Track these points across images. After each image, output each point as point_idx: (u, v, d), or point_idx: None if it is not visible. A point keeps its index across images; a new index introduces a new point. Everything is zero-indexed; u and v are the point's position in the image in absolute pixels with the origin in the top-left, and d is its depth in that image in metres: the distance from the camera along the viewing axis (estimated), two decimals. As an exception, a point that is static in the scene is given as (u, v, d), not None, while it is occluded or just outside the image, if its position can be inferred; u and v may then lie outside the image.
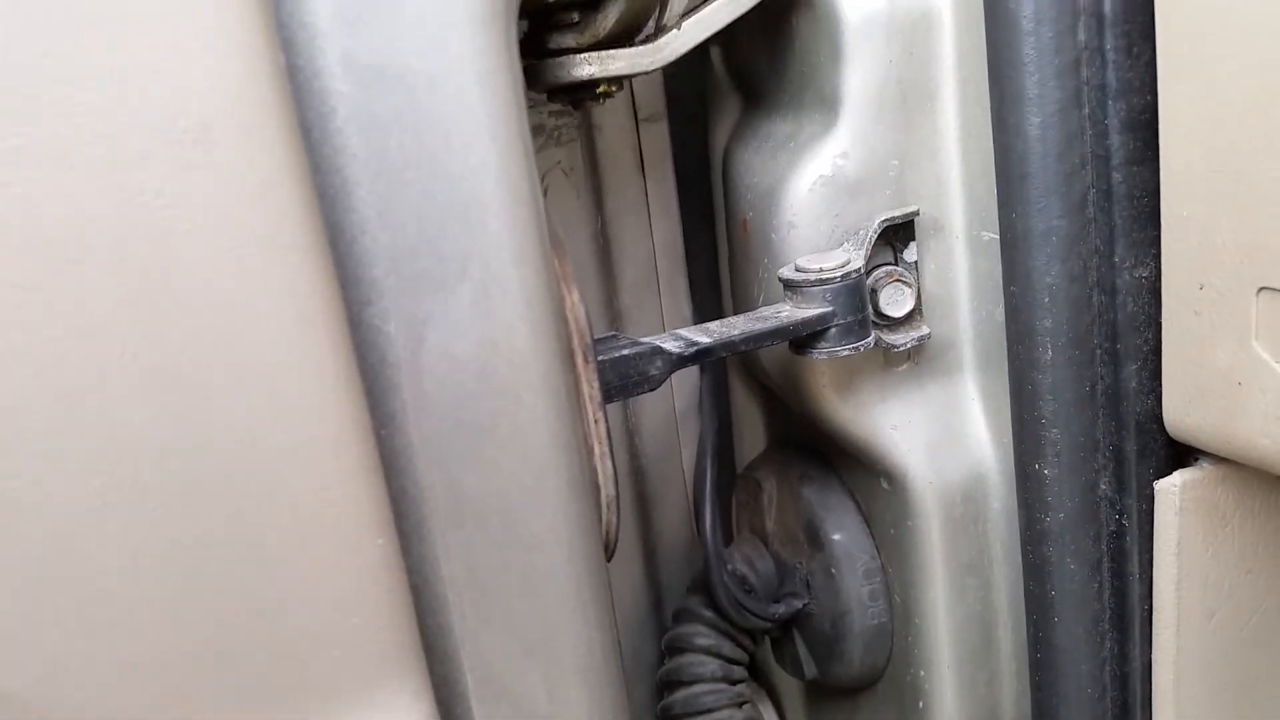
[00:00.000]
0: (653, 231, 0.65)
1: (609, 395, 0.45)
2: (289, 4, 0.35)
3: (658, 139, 0.64)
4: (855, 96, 0.55)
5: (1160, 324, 0.47)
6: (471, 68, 0.37)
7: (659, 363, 0.47)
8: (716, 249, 0.69)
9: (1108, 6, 0.47)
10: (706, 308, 0.69)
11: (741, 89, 0.66)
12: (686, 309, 0.67)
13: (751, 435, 0.72)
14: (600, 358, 0.45)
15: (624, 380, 0.46)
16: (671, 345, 0.47)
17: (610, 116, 0.63)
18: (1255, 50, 0.40)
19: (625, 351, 0.46)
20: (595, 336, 0.47)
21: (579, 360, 0.42)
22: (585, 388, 0.43)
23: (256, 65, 0.35)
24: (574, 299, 0.43)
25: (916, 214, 0.55)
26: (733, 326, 0.51)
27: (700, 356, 0.48)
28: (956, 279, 0.56)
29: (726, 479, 0.72)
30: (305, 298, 0.36)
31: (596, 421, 0.43)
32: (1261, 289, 0.42)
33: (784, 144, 0.59)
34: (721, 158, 0.65)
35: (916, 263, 0.56)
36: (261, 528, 0.36)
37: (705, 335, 0.50)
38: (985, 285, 0.55)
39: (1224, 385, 0.44)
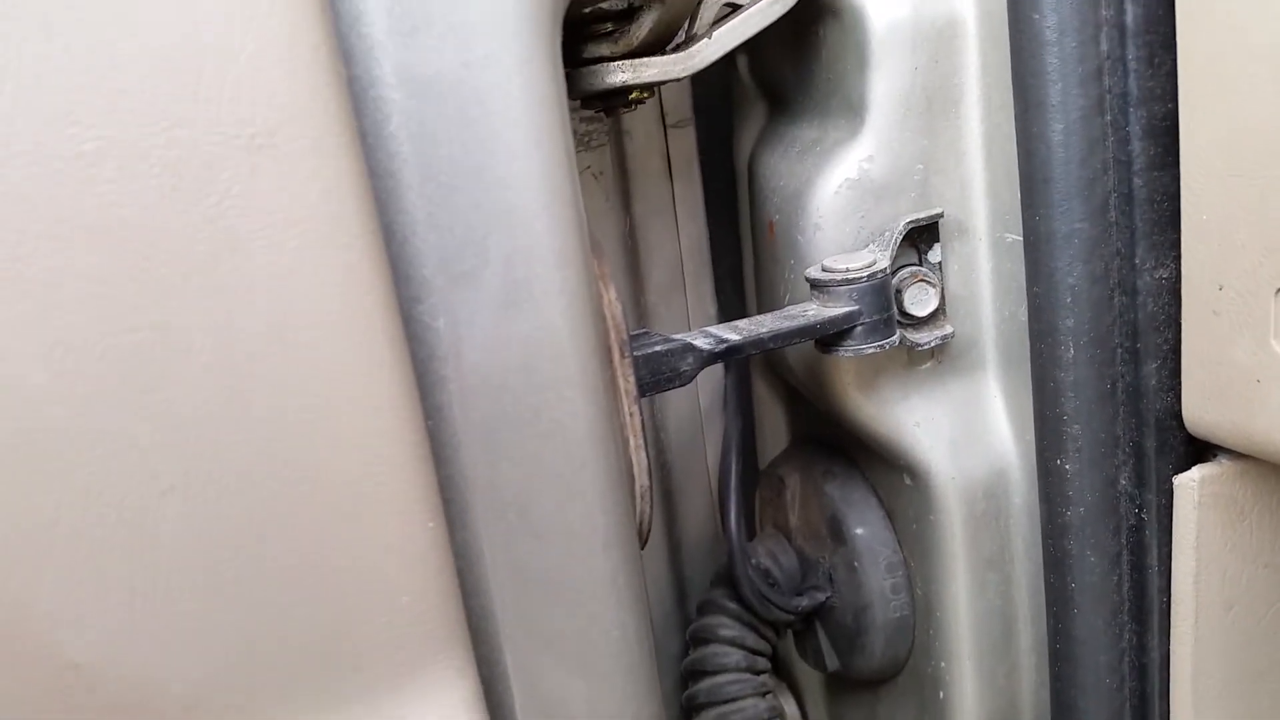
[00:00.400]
0: (679, 234, 0.66)
1: (643, 390, 0.47)
2: (348, 17, 0.37)
3: (685, 144, 0.66)
4: (881, 103, 0.57)
5: (1180, 323, 0.48)
6: (518, 79, 0.39)
7: (690, 359, 0.48)
8: (741, 251, 0.71)
9: (1130, 18, 0.48)
10: (731, 308, 0.71)
11: (767, 95, 0.68)
12: (712, 309, 0.69)
13: (774, 432, 0.74)
14: (635, 353, 0.46)
15: (656, 376, 0.47)
16: (702, 342, 0.49)
17: (639, 122, 0.65)
18: (1272, 60, 0.41)
19: (658, 348, 0.48)
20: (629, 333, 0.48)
21: (615, 356, 0.44)
22: (621, 382, 0.44)
23: (318, 75, 0.37)
24: (611, 297, 0.44)
25: (941, 216, 0.57)
26: (761, 324, 0.53)
27: (730, 354, 0.50)
28: (980, 280, 0.58)
29: (750, 475, 0.73)
30: (360, 294, 0.38)
31: (632, 415, 0.45)
32: (1279, 290, 0.43)
33: (810, 148, 0.61)
34: (747, 162, 0.67)
35: (941, 264, 0.58)
36: (319, 510, 0.38)
37: (734, 333, 0.52)
38: (1008, 286, 0.57)
39: (1243, 383, 0.45)
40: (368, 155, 0.38)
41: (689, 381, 0.48)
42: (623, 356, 0.44)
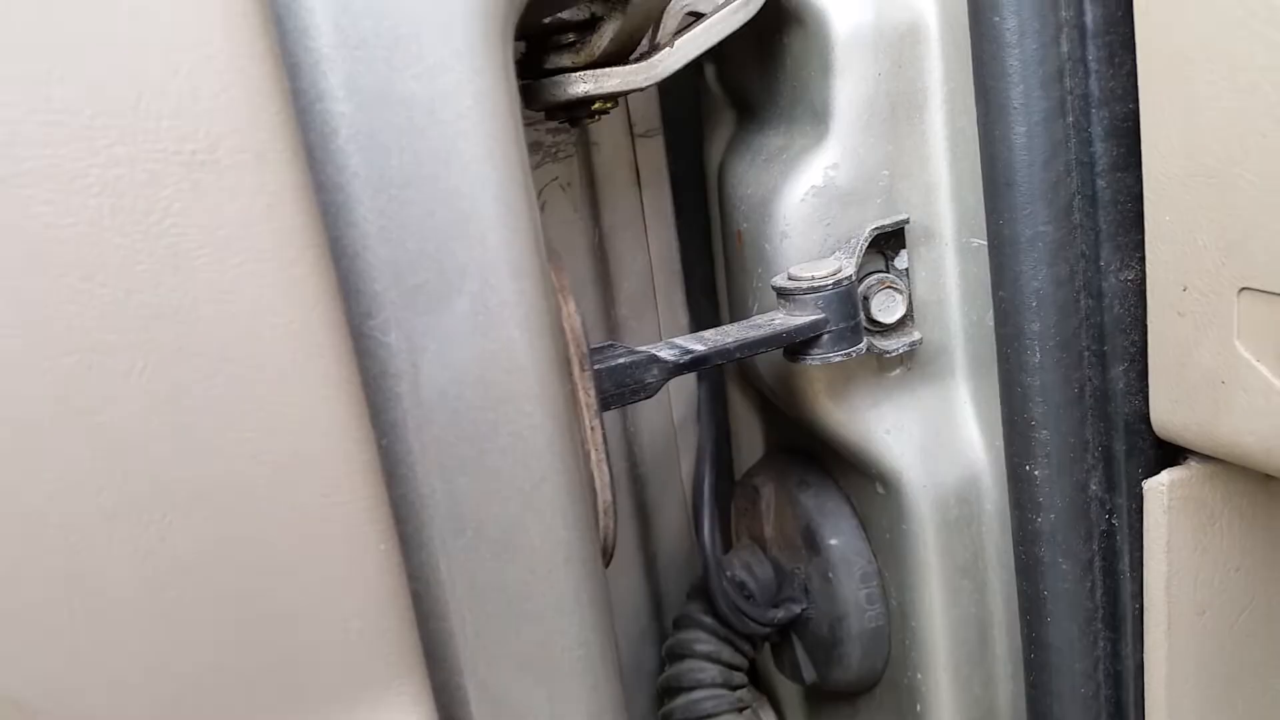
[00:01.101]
0: (649, 244, 0.66)
1: (606, 403, 0.46)
2: (294, 31, 0.36)
3: (653, 153, 0.66)
4: (845, 109, 0.56)
5: (1146, 326, 0.48)
6: (469, 91, 0.38)
7: (655, 370, 0.48)
8: (713, 260, 0.70)
9: (1089, 19, 0.48)
10: (703, 318, 0.70)
11: (735, 103, 0.68)
12: (684, 319, 0.68)
13: (749, 442, 0.73)
14: (597, 366, 0.46)
15: (621, 388, 0.47)
16: (667, 353, 0.49)
17: (607, 132, 0.64)
18: (1230, 59, 0.41)
19: (621, 360, 0.47)
20: (592, 346, 0.48)
21: (575, 369, 0.43)
22: (582, 395, 0.44)
23: (262, 89, 0.36)
24: (570, 309, 0.44)
25: (907, 222, 0.56)
26: (727, 334, 0.52)
27: (695, 365, 0.49)
28: (947, 285, 0.57)
29: (725, 486, 0.72)
30: (309, 311, 0.38)
31: (593, 429, 0.44)
32: (1242, 289, 0.43)
33: (776, 156, 0.60)
34: (716, 170, 0.66)
35: (908, 270, 0.57)
36: (266, 534, 0.37)
37: (700, 344, 0.51)
38: (975, 291, 0.56)
39: (1208, 385, 0.45)
40: (315, 169, 0.38)
41: (655, 393, 0.48)
42: (583, 370, 0.43)
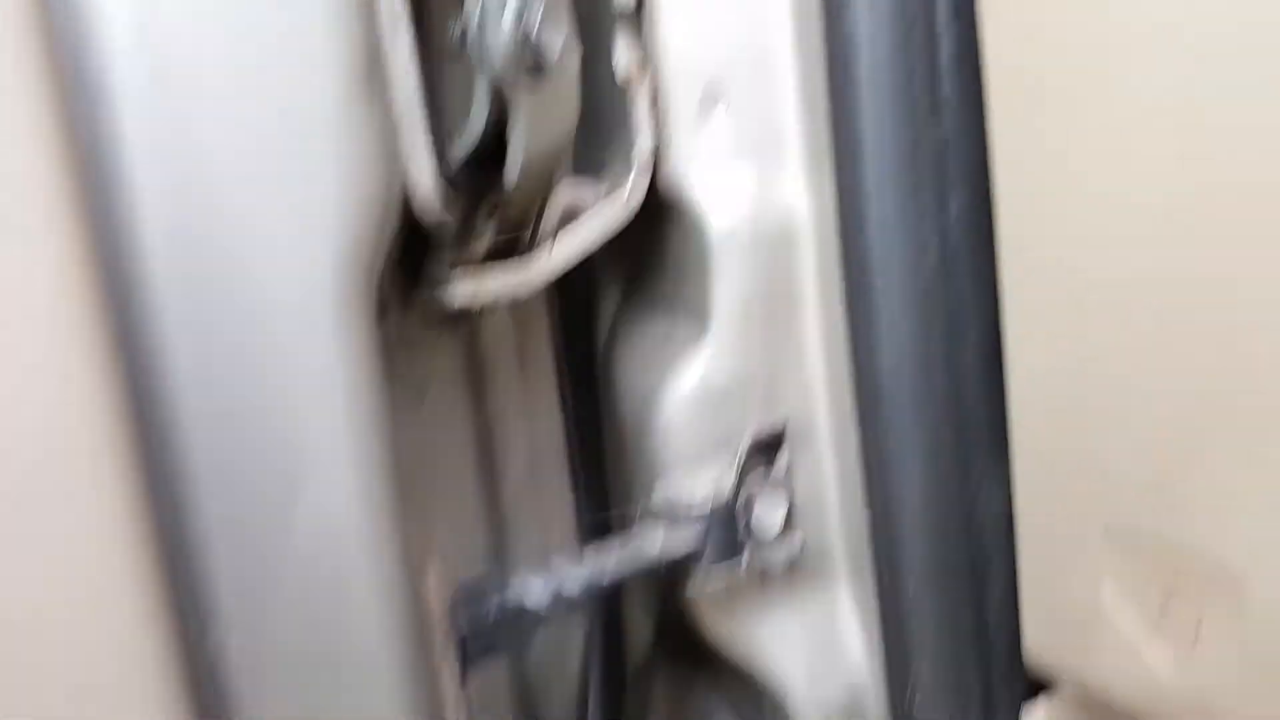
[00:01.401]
0: (534, 430, 0.64)
1: (470, 664, 0.43)
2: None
3: (539, 337, 0.64)
4: (724, 306, 0.56)
5: (1018, 557, 0.47)
6: (328, 381, 0.36)
7: (525, 620, 0.45)
8: (602, 439, 0.69)
9: (954, 231, 0.49)
10: (594, 499, 0.68)
11: (620, 279, 0.67)
12: (569, 509, 0.66)
13: (642, 629, 0.70)
14: (460, 625, 0.43)
15: (487, 648, 0.44)
16: (536, 599, 0.46)
17: (489, 318, 0.62)
18: (1098, 292, 0.41)
19: (490, 617, 0.44)
20: (462, 582, 0.45)
21: (436, 645, 0.40)
22: (446, 668, 0.41)
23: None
24: (432, 583, 0.41)
25: (785, 425, 0.56)
26: (606, 560, 0.50)
27: (569, 608, 0.47)
28: (827, 488, 0.56)
29: (617, 675, 0.69)
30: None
31: (458, 701, 0.41)
32: (1104, 527, 0.43)
33: (661, 344, 0.59)
34: (603, 349, 0.65)
35: (788, 472, 0.56)
36: None
37: (575, 575, 0.49)
38: (854, 494, 0.56)
39: (1075, 621, 0.45)
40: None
41: (524, 648, 0.45)
42: (445, 640, 0.40)
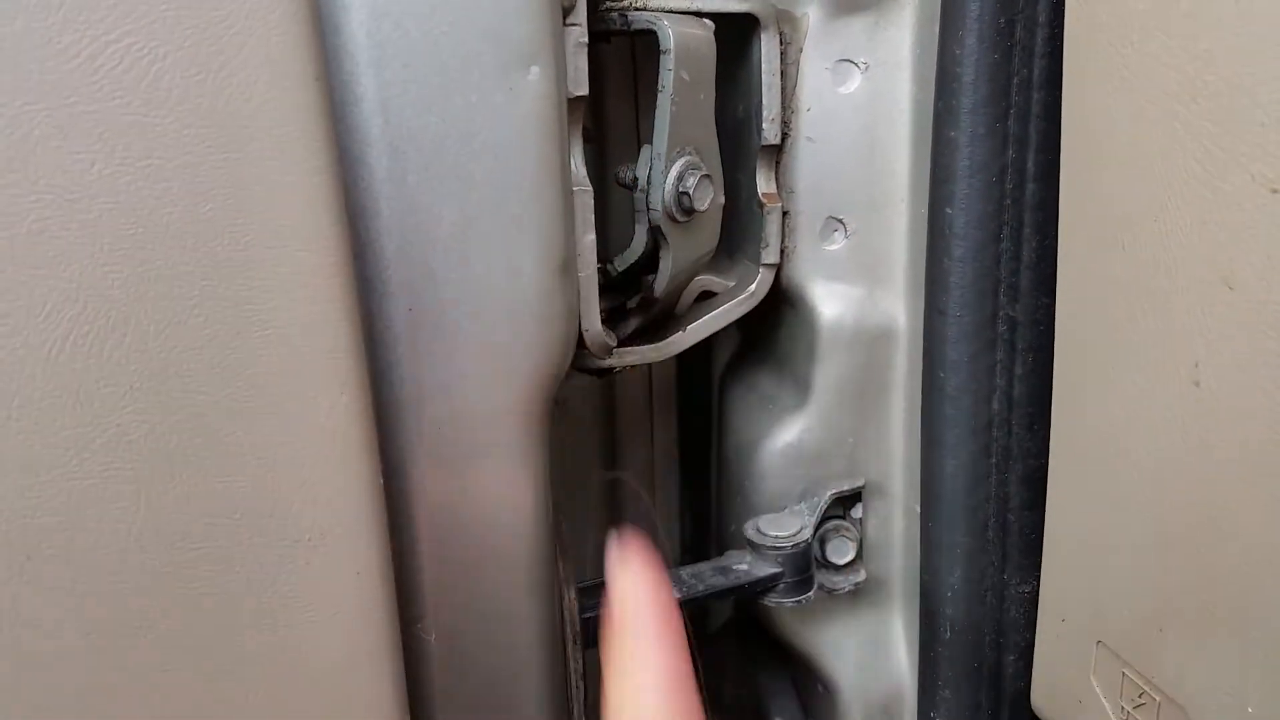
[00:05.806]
0: (653, 454, 0.78)
1: (590, 644, 0.60)
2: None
3: (665, 374, 0.77)
4: (823, 384, 0.67)
5: (1036, 629, 0.60)
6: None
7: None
8: (708, 472, 0.82)
9: (1021, 317, 0.58)
10: (695, 521, 0.82)
11: (735, 337, 0.78)
12: (674, 525, 0.81)
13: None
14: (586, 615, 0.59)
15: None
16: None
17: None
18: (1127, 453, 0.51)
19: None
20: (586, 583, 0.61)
21: (569, 646, 0.57)
22: (572, 664, 0.57)
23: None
24: (571, 597, 0.57)
25: (863, 486, 0.68)
26: (700, 578, 0.65)
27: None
28: (893, 533, 0.69)
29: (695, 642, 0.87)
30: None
31: (578, 688, 0.58)
32: (1098, 641, 0.55)
33: (767, 403, 0.72)
34: (718, 388, 0.78)
35: (861, 519, 0.69)
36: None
37: (675, 587, 0.64)
38: (914, 543, 0.68)
39: (1070, 700, 0.57)
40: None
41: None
42: (574, 645, 0.57)
